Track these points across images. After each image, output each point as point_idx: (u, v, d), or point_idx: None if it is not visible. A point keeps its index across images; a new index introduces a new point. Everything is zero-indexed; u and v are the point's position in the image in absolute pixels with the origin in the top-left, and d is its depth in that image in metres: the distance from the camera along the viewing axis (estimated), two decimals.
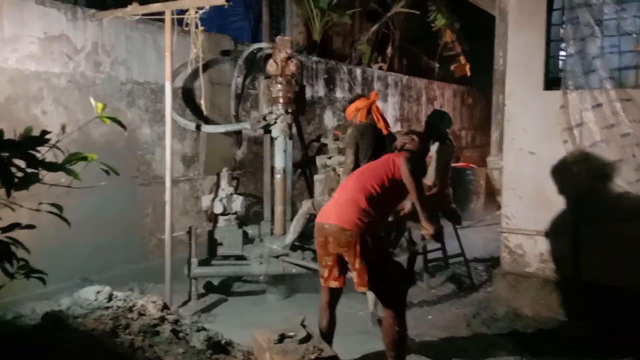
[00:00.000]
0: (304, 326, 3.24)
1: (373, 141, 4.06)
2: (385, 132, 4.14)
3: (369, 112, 4.16)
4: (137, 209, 4.90)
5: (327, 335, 3.31)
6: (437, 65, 10.12)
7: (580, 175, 3.97)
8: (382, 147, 4.15)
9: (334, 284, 3.17)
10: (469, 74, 9.96)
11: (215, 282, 4.99)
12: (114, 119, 2.25)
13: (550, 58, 4.19)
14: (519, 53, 4.23)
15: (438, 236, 3.30)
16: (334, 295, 3.30)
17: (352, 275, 3.09)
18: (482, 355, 3.65)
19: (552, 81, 4.17)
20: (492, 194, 10.46)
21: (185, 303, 4.51)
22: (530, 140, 4.21)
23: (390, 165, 3.14)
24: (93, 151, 2.12)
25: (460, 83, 11.19)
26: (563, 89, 4.03)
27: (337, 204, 3.10)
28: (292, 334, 3.03)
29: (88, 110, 4.36)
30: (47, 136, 1.96)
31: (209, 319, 4.29)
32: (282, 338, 2.98)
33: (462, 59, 9.76)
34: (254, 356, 3.08)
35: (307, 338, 2.99)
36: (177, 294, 4.43)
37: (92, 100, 2.24)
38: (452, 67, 9.98)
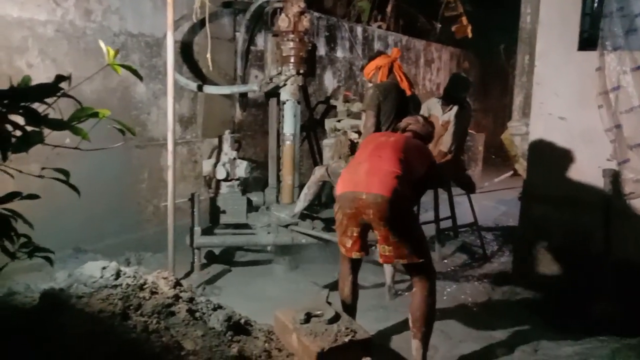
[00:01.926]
0: (329, 303, 2.99)
1: (396, 103, 3.73)
2: (408, 92, 3.82)
3: (390, 70, 3.83)
4: (132, 174, 4.52)
5: (350, 306, 3.12)
6: (439, 25, 9.70)
7: (615, 143, 3.72)
8: (406, 110, 3.83)
9: (357, 255, 2.97)
10: (470, 35, 9.58)
11: (217, 251, 4.70)
12: (129, 68, 1.90)
13: (586, 16, 3.88)
14: (553, 9, 3.90)
15: None
16: (356, 264, 3.12)
17: (383, 248, 2.83)
18: (510, 332, 3.45)
19: (587, 41, 3.88)
20: (490, 161, 10.32)
21: (187, 274, 4.23)
22: (562, 105, 3.94)
23: (425, 157, 3.06)
24: None
25: (456, 46, 10.83)
26: (600, 49, 3.74)
27: (377, 173, 2.80)
28: (319, 312, 2.77)
29: (78, 64, 3.93)
30: None
31: (214, 292, 4.02)
32: (308, 318, 2.71)
33: (464, 20, 9.36)
34: (275, 336, 2.82)
35: (336, 317, 2.72)
36: (177, 265, 4.12)
37: (102, 45, 1.88)
38: (453, 28, 9.58)
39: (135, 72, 1.91)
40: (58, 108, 1.68)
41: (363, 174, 2.81)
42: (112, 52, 1.85)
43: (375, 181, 2.74)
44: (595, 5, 3.89)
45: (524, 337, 3.39)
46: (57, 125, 1.66)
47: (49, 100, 1.60)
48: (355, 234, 2.88)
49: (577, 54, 3.88)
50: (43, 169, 1.74)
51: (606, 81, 3.74)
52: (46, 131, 1.64)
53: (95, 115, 1.73)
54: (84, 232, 4.11)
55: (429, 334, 2.91)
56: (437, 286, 4.17)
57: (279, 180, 4.56)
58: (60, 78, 1.49)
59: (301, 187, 4.38)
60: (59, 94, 1.48)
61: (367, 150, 2.98)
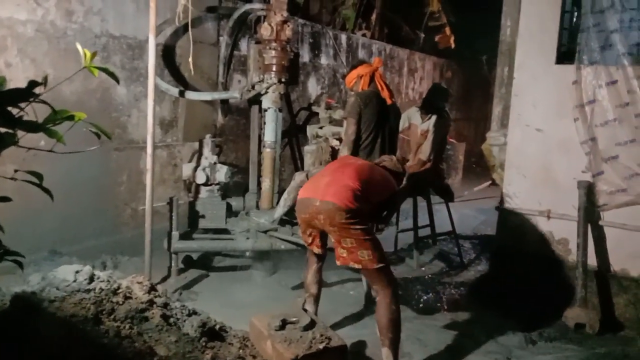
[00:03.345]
0: (305, 310, 3.00)
1: (377, 111, 3.77)
2: (389, 101, 3.86)
3: (371, 79, 3.86)
4: (110, 176, 4.48)
5: (312, 294, 3.24)
6: (422, 35, 9.80)
7: (590, 156, 3.80)
8: (386, 118, 3.87)
9: (317, 250, 3.15)
10: (453, 45, 9.71)
11: (195, 256, 4.67)
12: (105, 70, 1.87)
13: (564, 30, 3.96)
14: (532, 23, 3.97)
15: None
16: (320, 254, 3.26)
17: (340, 250, 2.88)
18: (485, 341, 3.48)
19: (565, 55, 3.96)
20: (470, 170, 10.42)
21: (164, 279, 4.19)
22: (539, 117, 4.01)
23: (388, 185, 3.11)
24: None
25: (439, 56, 10.94)
26: (577, 63, 3.82)
27: (335, 184, 2.90)
28: (294, 319, 2.77)
29: (58, 64, 3.89)
30: None
31: (191, 297, 3.99)
32: (283, 324, 2.72)
33: (448, 30, 9.48)
34: (250, 342, 2.81)
35: (312, 324, 2.74)
36: (154, 269, 4.09)
37: (79, 47, 1.86)
38: (436, 38, 9.70)
39: (112, 75, 1.89)
40: (33, 110, 1.66)
41: (323, 184, 2.95)
42: (88, 54, 1.83)
43: (331, 190, 2.87)
44: (574, 20, 3.98)
45: (498, 345, 3.43)
46: (32, 127, 1.64)
47: (22, 104, 1.59)
48: (313, 235, 3.08)
49: (555, 67, 3.96)
50: (16, 171, 1.72)
51: (582, 94, 3.82)
52: (21, 133, 1.63)
53: (70, 118, 1.71)
54: (60, 235, 4.06)
55: (396, 340, 2.91)
56: (413, 294, 4.27)
57: (259, 186, 4.55)
58: (33, 84, 1.47)
59: (281, 193, 4.38)
60: (32, 99, 1.46)
61: (332, 167, 3.14)
